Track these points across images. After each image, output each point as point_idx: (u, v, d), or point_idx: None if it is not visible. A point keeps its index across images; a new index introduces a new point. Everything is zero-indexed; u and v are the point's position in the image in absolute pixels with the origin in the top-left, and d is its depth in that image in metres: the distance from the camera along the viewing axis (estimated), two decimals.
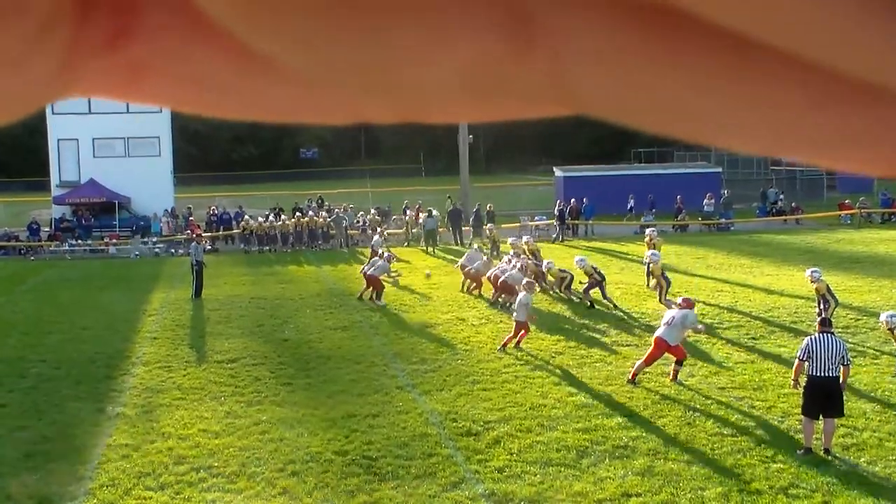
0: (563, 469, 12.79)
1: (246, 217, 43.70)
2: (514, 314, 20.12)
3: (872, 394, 15.79)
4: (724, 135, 0.40)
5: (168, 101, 0.45)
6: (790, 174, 59.33)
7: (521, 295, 20.23)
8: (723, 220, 46.67)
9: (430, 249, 39.26)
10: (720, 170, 55.77)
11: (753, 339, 20.50)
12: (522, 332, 19.90)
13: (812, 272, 21.08)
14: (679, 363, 16.88)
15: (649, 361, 16.88)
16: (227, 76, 0.43)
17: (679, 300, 18.58)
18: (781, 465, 12.70)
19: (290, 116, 0.45)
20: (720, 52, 0.38)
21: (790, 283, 27.20)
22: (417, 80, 0.40)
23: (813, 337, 13.76)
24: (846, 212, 47.73)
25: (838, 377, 13.25)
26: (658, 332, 17.17)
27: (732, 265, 32.53)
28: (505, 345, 19.79)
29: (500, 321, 22.71)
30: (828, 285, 20.68)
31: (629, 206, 47.27)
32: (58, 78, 0.42)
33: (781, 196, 52.16)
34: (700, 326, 18.10)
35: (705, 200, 47.46)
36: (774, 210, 49.76)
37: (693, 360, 18.45)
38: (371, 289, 26.15)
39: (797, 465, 12.65)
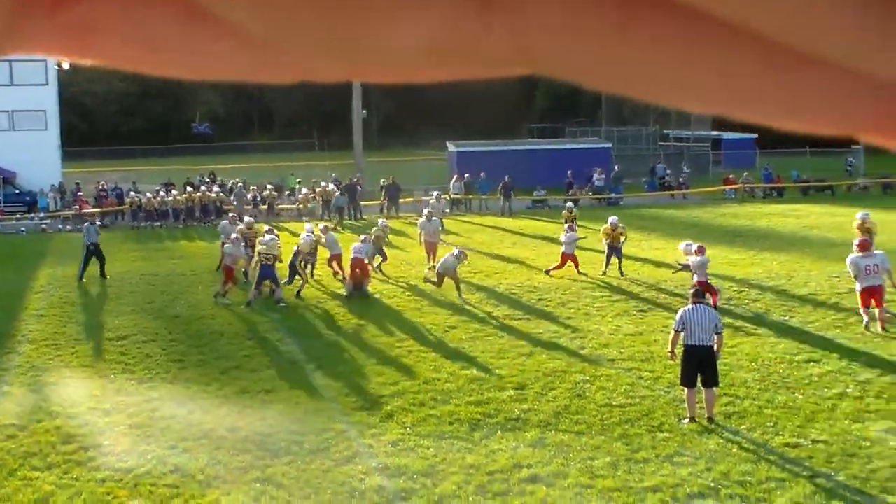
0: (455, 442, 12.95)
1: (133, 193, 42.91)
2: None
3: (753, 363, 16.31)
4: (677, 95, 0.43)
5: (116, 61, 0.46)
6: (678, 150, 60.47)
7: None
8: (613, 195, 47.43)
9: (339, 224, 39.25)
10: (610, 145, 56.54)
11: (642, 311, 20.97)
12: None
13: (686, 245, 22.18)
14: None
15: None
16: (174, 36, 0.44)
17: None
18: (667, 434, 13.05)
19: (239, 75, 0.47)
20: (673, 18, 0.40)
21: (678, 256, 27.78)
22: (387, 42, 0.41)
23: (686, 308, 14.09)
24: (730, 186, 48.98)
25: (712, 346, 13.58)
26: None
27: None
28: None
29: (394, 296, 22.81)
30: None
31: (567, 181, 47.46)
32: (4, 37, 0.43)
33: (670, 170, 53.23)
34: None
35: (596, 175, 48.14)
36: (663, 184, 50.76)
37: (583, 333, 18.82)
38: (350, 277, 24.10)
39: (682, 434, 13.02)
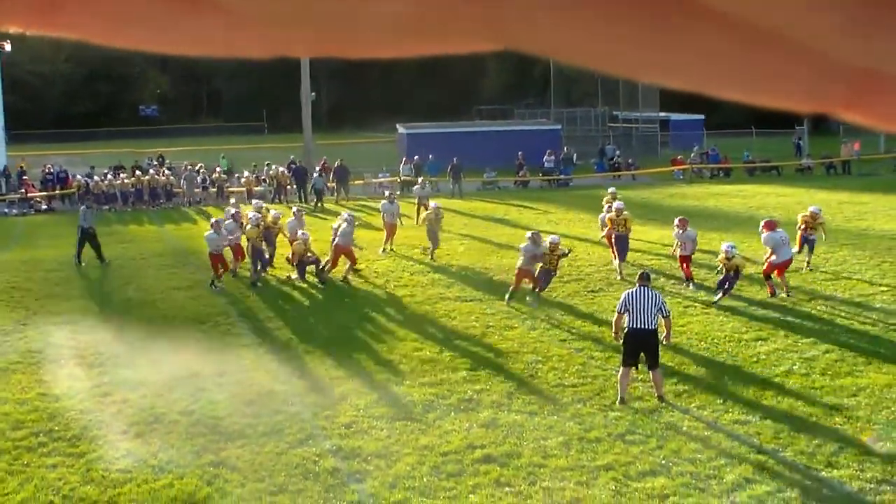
0: (409, 423, 13.00)
1: (77, 176, 42.38)
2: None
3: (702, 342, 16.51)
4: (652, 71, 0.45)
5: (86, 33, 0.46)
6: (627, 131, 60.83)
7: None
8: (562, 176, 47.65)
9: (318, 206, 39.32)
10: (560, 127, 56.74)
11: (593, 291, 21.12)
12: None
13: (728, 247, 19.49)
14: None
15: None
16: (146, 9, 0.44)
17: (528, 234, 20.30)
18: (619, 413, 13.19)
19: (213, 50, 0.47)
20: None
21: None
22: (365, 10, 0.42)
23: (630, 291, 14.18)
24: (679, 167, 49.39)
25: (655, 330, 13.66)
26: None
27: (572, 220, 33.36)
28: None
29: (345, 279, 22.77)
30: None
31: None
32: None
33: (619, 152, 53.53)
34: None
35: (545, 157, 48.31)
36: (612, 166, 51.04)
37: (536, 314, 18.93)
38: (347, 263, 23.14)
39: (634, 413, 13.17)
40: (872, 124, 0.47)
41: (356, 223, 24.23)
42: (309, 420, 13.22)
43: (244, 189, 42.41)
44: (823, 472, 11.12)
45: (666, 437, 12.30)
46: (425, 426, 12.88)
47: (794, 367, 15.06)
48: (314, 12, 0.42)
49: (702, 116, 65.21)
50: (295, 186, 42.40)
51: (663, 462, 11.50)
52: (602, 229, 24.56)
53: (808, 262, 22.40)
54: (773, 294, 19.77)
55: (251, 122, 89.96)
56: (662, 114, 62.12)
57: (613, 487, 10.85)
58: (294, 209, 26.23)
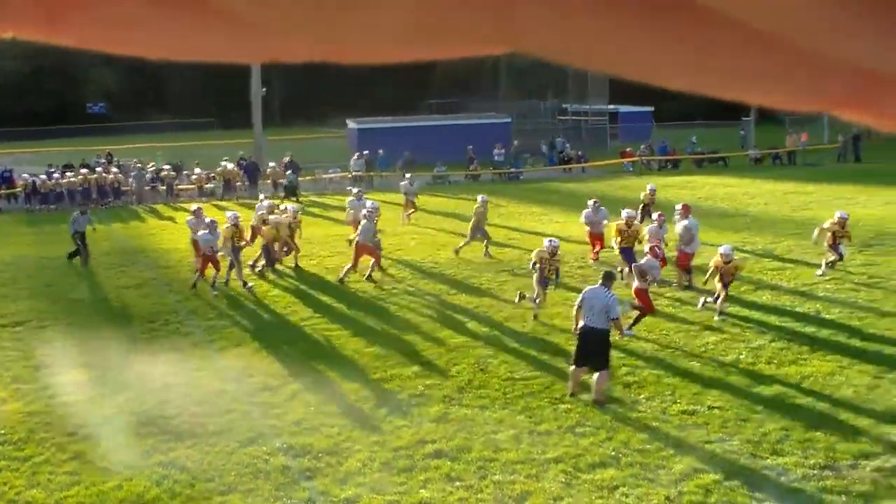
0: (359, 419, 13.01)
1: (24, 175, 41.81)
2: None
3: (651, 333, 16.65)
4: (659, 74, 0.45)
5: (88, 41, 0.46)
6: (576, 124, 61.11)
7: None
8: (513, 170, 47.79)
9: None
10: (510, 120, 56.87)
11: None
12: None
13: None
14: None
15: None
16: (146, 15, 0.44)
17: (646, 248, 18.94)
18: (569, 406, 13.28)
19: (211, 55, 0.47)
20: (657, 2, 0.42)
21: (577, 230, 28.18)
22: (373, 15, 0.42)
23: (590, 287, 14.16)
24: (628, 159, 49.74)
25: (602, 329, 13.48)
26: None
27: (523, 213, 33.46)
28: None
29: (298, 276, 22.70)
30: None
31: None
32: None
33: (569, 144, 53.76)
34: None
35: (496, 150, 48.43)
36: (562, 158, 51.26)
37: (487, 306, 19.00)
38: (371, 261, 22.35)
39: (583, 405, 13.26)
40: (869, 123, 0.48)
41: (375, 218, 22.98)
42: (259, 419, 13.18)
43: (195, 186, 42.14)
44: (769, 460, 11.28)
45: (615, 429, 12.41)
46: (376, 422, 12.89)
47: (741, 357, 15.25)
48: (317, 18, 0.42)
49: (651, 108, 65.70)
50: (247, 183, 42.14)
51: (613, 453, 11.61)
52: (586, 226, 24.05)
53: (830, 264, 21.27)
54: (689, 286, 20.05)
55: (200, 119, 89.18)
56: (611, 106, 62.46)
57: (563, 480, 10.93)
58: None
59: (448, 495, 10.68)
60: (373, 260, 22.23)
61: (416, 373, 14.99)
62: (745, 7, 0.40)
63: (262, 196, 29.56)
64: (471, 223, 25.17)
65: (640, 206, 27.49)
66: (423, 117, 63.51)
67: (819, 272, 21.02)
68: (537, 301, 18.09)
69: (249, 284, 21.60)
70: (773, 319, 17.35)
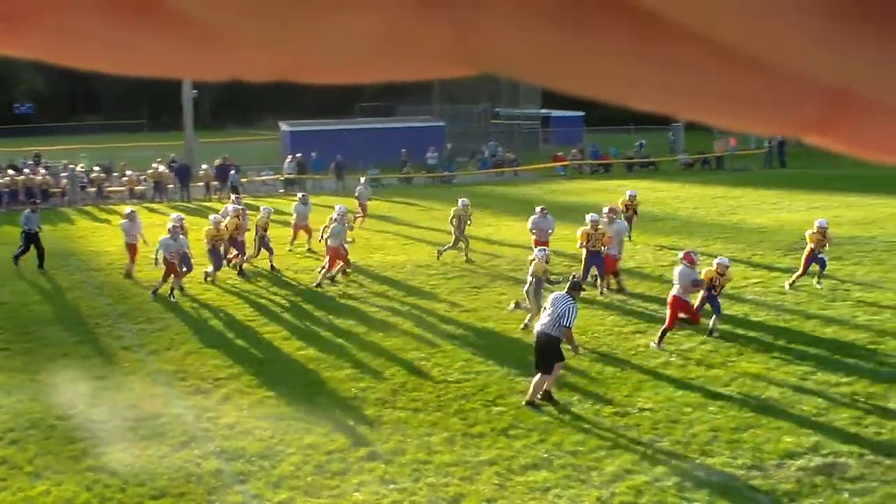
0: (293, 422, 12.96)
1: None
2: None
3: (584, 336, 16.78)
4: (628, 94, 0.44)
5: (46, 53, 0.45)
6: (509, 128, 61.39)
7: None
8: (446, 173, 47.90)
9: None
10: (443, 124, 56.98)
11: (476, 287, 21.30)
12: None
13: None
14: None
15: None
16: (102, 27, 0.43)
17: (680, 255, 17.65)
18: (502, 408, 13.36)
19: (172, 72, 0.46)
20: (626, 16, 0.41)
21: (510, 233, 28.41)
22: (333, 29, 0.41)
23: (555, 293, 14.18)
24: (560, 163, 50.14)
25: (549, 335, 13.49)
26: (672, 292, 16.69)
27: None
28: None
29: (229, 278, 22.53)
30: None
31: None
32: None
33: (502, 148, 54.03)
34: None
35: (429, 153, 48.52)
36: (495, 162, 51.50)
37: (419, 310, 19.03)
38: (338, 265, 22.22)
39: (516, 408, 13.35)
40: (843, 149, 0.46)
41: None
42: (191, 423, 13.08)
43: (125, 188, 41.62)
44: (698, 461, 11.46)
45: (548, 431, 12.51)
46: (310, 425, 12.86)
47: (671, 359, 15.47)
48: (276, 27, 0.41)
49: (582, 113, 66.24)
50: (179, 185, 41.73)
51: (546, 455, 11.70)
52: (532, 233, 23.21)
53: (818, 279, 20.43)
54: (621, 289, 20.41)
55: (131, 120, 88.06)
56: (543, 110, 62.88)
57: (497, 482, 11.00)
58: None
59: (382, 498, 10.69)
60: (341, 263, 22.16)
61: (349, 376, 14.97)
62: (714, 19, 0.39)
63: (233, 197, 29.17)
64: (453, 227, 24.79)
65: (622, 212, 27.59)
66: (356, 120, 63.37)
67: (787, 284, 20.35)
68: (530, 313, 17.21)
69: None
70: (702, 322, 17.59)
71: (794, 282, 20.27)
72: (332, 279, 21.84)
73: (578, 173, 49.33)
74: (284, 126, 55.39)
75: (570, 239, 25.48)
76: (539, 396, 13.47)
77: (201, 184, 41.79)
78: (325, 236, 22.16)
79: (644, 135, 61.40)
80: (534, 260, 17.60)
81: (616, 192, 30.85)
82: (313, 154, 45.43)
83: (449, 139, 53.77)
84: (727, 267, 17.27)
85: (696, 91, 0.42)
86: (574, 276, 15.51)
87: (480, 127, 61.08)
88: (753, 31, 0.38)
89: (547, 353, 13.48)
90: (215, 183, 41.88)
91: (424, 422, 12.92)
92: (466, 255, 24.40)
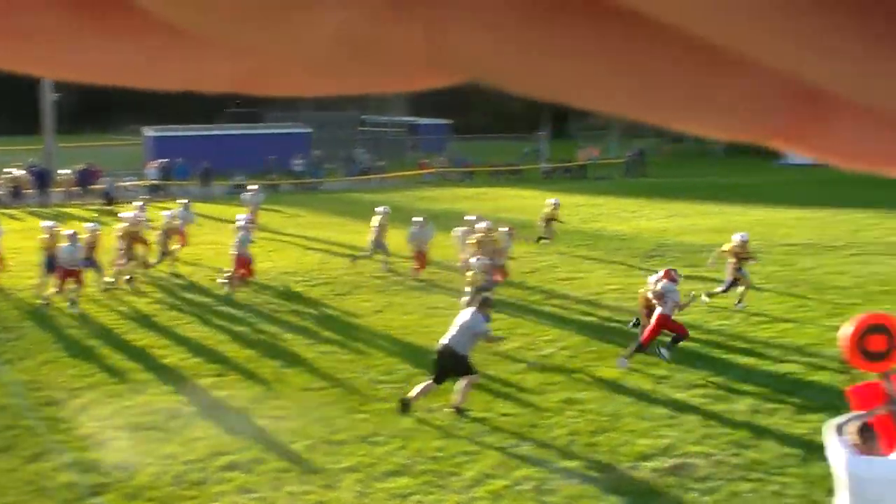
0: (152, 432, 12.75)
1: None
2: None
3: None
4: (604, 101, 0.42)
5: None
6: (376, 135, 61.51)
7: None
8: (312, 180, 47.72)
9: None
10: (310, 130, 56.76)
11: (340, 295, 21.28)
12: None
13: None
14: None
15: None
16: (57, 32, 0.41)
17: (660, 273, 17.01)
18: (365, 415, 13.39)
19: (124, 80, 0.43)
20: (597, 18, 0.39)
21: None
22: (299, 33, 0.39)
23: (465, 310, 14.36)
24: (426, 171, 50.49)
25: (451, 348, 13.55)
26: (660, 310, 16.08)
27: (322, 224, 33.48)
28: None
29: (90, 285, 22.01)
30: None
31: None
32: None
33: (369, 155, 54.12)
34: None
35: (296, 161, 48.29)
36: (362, 169, 51.54)
37: (286, 315, 18.93)
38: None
39: (379, 414, 13.39)
40: (812, 155, 0.44)
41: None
42: (45, 434, 12.74)
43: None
44: (556, 464, 11.67)
45: (410, 437, 12.58)
46: (169, 434, 12.67)
47: (532, 364, 15.72)
48: (245, 27, 0.38)
49: (449, 121, 66.79)
50: (38, 190, 40.62)
51: (407, 461, 11.77)
52: (411, 243, 23.12)
53: (740, 300, 19.45)
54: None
55: None
56: (410, 118, 63.19)
57: (358, 489, 11.02)
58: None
59: None
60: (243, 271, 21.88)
61: (211, 384, 14.81)
62: (693, 13, 0.37)
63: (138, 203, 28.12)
64: (370, 236, 24.39)
65: (545, 220, 27.88)
66: (222, 126, 62.56)
67: (704, 299, 19.38)
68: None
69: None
70: (562, 328, 17.95)
71: (713, 294, 19.74)
72: (229, 284, 21.55)
73: (445, 181, 49.70)
74: (149, 131, 54.40)
75: (441, 246, 25.72)
76: (417, 399, 13.56)
77: (61, 189, 40.74)
78: (232, 244, 21.98)
79: (510, 143, 62.29)
80: (473, 272, 17.82)
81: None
82: (179, 160, 44.71)
83: (317, 146, 53.57)
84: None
85: (668, 93, 0.41)
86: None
87: (348, 134, 61.03)
88: (733, 25, 0.36)
89: (448, 364, 13.57)
90: (76, 188, 40.87)
91: (286, 430, 12.86)
92: (385, 263, 23.91)
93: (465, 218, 23.39)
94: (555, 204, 27.85)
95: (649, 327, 15.92)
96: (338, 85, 0.43)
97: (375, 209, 25.47)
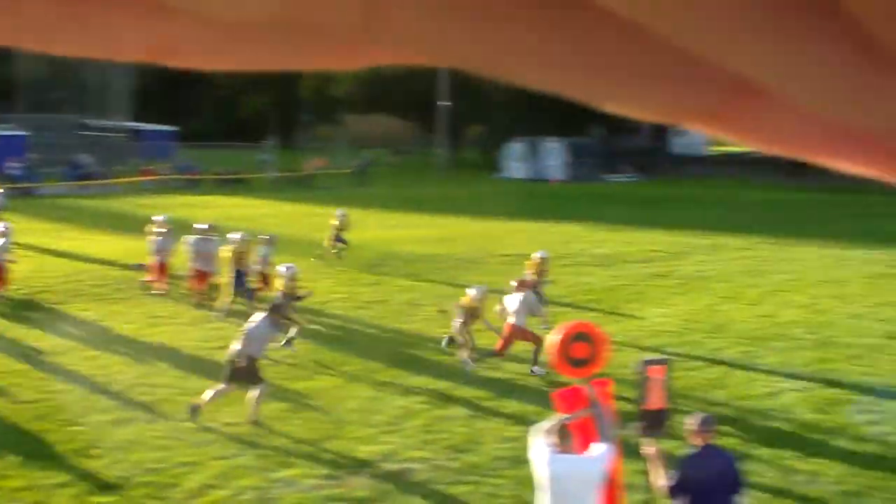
0: None
1: None
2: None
3: (201, 350, 16.65)
4: (541, 78, 0.41)
5: None
6: (97, 139, 59.36)
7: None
8: (28, 185, 45.60)
9: None
10: (27, 133, 54.14)
11: (57, 304, 20.47)
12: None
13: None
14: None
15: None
16: (36, 8, 0.40)
17: (514, 283, 17.22)
18: (82, 428, 12.95)
19: (45, 46, 0.42)
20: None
21: (97, 248, 27.54)
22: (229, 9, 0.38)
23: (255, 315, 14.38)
24: (149, 178, 49.28)
25: (246, 357, 13.59)
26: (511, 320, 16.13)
27: (36, 230, 31.95)
28: None
29: None
30: None
31: None
32: None
33: (91, 160, 52.21)
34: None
35: (10, 164, 46.12)
36: (83, 175, 49.70)
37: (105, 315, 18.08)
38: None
39: (98, 427, 13.02)
40: (733, 138, 0.45)
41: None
42: None
43: None
44: (279, 473, 11.68)
45: (129, 450, 12.27)
46: None
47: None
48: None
49: (175, 128, 65.39)
50: None
51: (124, 474, 11.47)
52: (192, 258, 21.64)
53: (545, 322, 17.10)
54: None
55: None
56: (134, 123, 61.47)
57: None
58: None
59: None
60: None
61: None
62: (670, 25, 0.38)
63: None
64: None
65: (334, 233, 27.28)
66: None
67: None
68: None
69: None
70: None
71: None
72: None
73: (168, 188, 48.61)
74: None
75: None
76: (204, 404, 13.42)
77: None
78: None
79: (237, 152, 61.68)
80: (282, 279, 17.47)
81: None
82: None
83: (34, 149, 51.18)
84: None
85: (612, 72, 0.41)
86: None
87: (68, 138, 58.57)
88: (682, 20, 0.37)
89: (240, 371, 13.56)
90: None
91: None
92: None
93: (195, 226, 22.92)
94: (341, 216, 27.73)
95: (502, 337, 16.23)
96: (262, 60, 0.41)
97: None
